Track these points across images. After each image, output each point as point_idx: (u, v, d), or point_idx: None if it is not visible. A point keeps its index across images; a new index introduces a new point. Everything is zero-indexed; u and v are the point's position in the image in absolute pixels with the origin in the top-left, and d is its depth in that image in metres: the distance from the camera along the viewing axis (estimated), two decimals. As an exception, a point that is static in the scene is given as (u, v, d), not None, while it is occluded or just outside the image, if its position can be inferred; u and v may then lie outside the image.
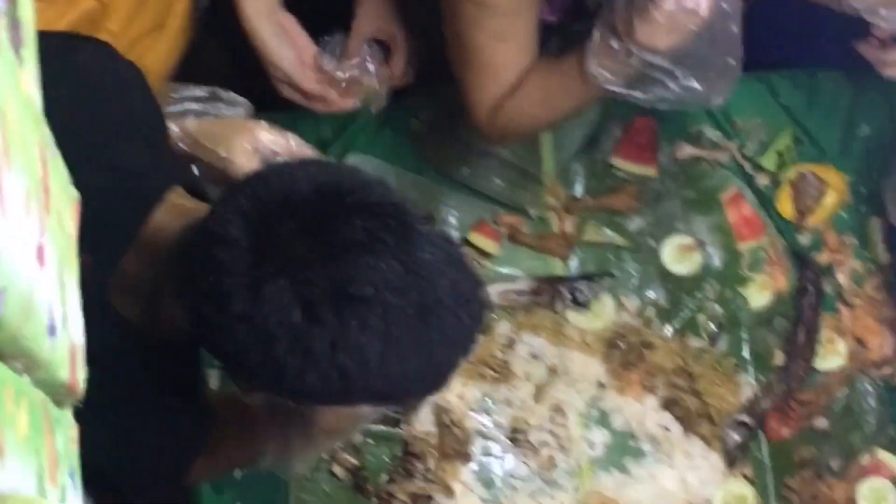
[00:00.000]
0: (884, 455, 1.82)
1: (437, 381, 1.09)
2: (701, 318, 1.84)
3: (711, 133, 1.87)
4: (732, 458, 1.80)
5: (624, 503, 1.77)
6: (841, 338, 1.84)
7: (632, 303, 1.83)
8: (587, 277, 1.82)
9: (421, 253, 1.00)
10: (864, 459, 1.82)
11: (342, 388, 1.01)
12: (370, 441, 1.75)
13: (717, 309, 1.85)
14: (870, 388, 1.85)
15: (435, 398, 1.74)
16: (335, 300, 0.97)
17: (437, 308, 1.01)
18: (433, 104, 1.86)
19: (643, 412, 1.81)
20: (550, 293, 1.81)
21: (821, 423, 1.83)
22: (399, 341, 1.00)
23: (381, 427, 1.75)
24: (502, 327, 1.81)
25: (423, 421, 1.76)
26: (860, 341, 1.84)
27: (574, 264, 1.84)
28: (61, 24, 1.36)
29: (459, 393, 1.78)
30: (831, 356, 1.84)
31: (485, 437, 1.78)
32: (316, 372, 0.99)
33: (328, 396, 1.05)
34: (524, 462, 1.78)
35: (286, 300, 0.97)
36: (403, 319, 0.99)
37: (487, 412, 1.79)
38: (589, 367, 1.81)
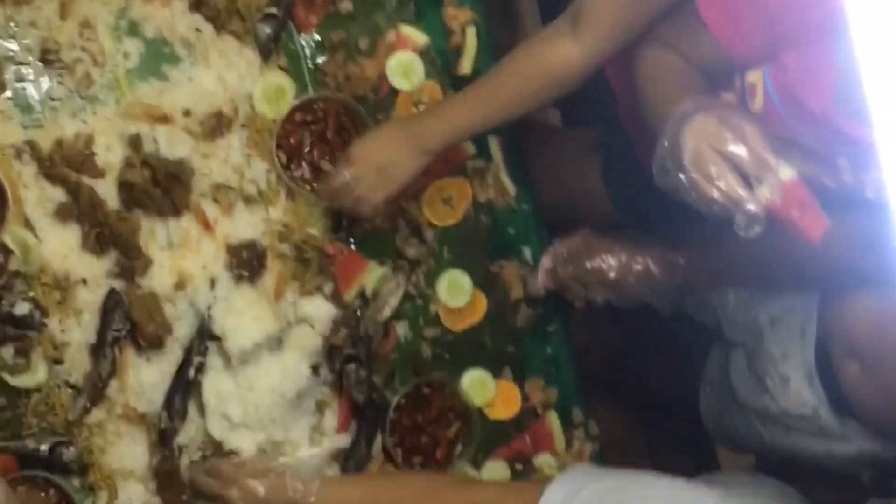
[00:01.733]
0: (406, 29, 1.91)
1: None
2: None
3: None
4: (266, 51, 1.84)
5: (167, 108, 1.79)
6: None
7: None
8: None
9: None
10: (390, 36, 1.90)
11: None
12: None
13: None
14: (387, -29, 1.91)
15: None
16: None
17: None
18: None
19: (173, 17, 1.80)
20: None
21: (345, 6, 1.88)
22: None
23: None
24: (11, -53, 1.73)
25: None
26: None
27: None
28: None
29: (-22, 10, 1.71)
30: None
31: (15, 62, 1.73)
32: None
33: None
34: (60, 82, 1.75)
35: None
36: None
37: (13, 37, 1.73)
38: (111, -24, 1.77)
